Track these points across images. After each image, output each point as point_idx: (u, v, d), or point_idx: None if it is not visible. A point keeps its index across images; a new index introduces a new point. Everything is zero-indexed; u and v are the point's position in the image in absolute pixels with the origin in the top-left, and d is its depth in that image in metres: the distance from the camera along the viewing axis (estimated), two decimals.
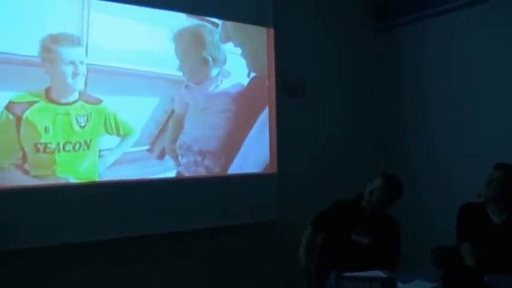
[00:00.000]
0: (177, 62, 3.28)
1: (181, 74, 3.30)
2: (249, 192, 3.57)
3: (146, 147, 3.16)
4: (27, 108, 2.73)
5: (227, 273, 3.52)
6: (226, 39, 3.54)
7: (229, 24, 3.53)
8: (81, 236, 2.89)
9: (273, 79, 3.74)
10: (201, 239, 3.41)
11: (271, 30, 3.74)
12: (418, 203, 3.83)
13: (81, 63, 2.90)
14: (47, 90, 2.80)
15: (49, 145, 2.79)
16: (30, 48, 2.75)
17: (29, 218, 2.72)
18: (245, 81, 3.61)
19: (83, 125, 2.90)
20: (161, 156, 3.23)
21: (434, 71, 3.91)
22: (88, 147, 2.91)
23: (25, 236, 2.70)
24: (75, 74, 2.87)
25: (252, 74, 3.64)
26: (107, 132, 3.00)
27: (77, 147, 2.88)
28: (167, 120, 3.24)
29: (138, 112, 3.15)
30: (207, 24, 3.42)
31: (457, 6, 3.69)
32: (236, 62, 3.56)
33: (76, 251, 2.91)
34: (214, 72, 3.42)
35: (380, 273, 2.27)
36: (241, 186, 3.54)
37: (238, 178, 3.55)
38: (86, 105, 2.93)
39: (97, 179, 2.96)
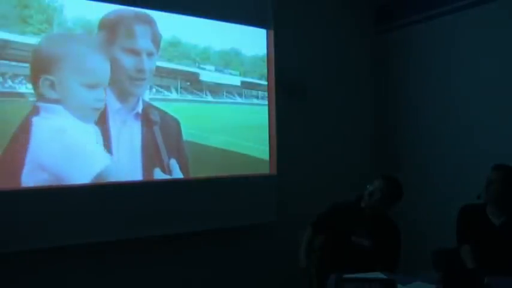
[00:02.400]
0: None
1: None
2: (249, 194, 3.56)
3: None
4: None
5: (227, 274, 3.51)
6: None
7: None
8: (82, 237, 2.88)
9: (273, 80, 3.74)
10: (201, 241, 3.40)
11: (271, 32, 3.75)
12: (418, 204, 3.82)
13: None
14: None
15: None
16: None
17: (29, 220, 2.72)
18: None
19: None
20: None
21: (435, 73, 3.91)
22: None
23: (25, 238, 2.70)
24: None
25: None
26: None
27: None
28: None
29: None
30: None
31: (459, 7, 3.68)
32: None
33: (76, 252, 2.90)
34: None
35: (380, 275, 2.27)
36: (241, 188, 3.54)
37: (238, 179, 3.54)
38: None
39: None
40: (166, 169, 3.25)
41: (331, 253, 2.74)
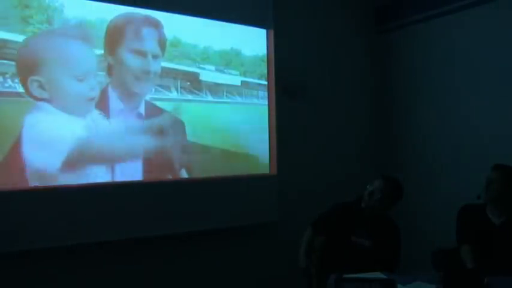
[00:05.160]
0: None
1: None
2: (250, 194, 3.57)
3: None
4: None
5: (228, 274, 3.51)
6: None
7: None
8: (82, 237, 2.88)
9: (273, 80, 3.75)
10: (202, 241, 3.40)
11: (271, 32, 3.75)
12: (418, 204, 3.83)
13: None
14: None
15: None
16: None
17: (28, 220, 2.72)
18: None
19: None
20: None
21: (435, 73, 3.91)
22: None
23: (24, 238, 2.71)
24: None
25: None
26: None
27: None
28: None
29: None
30: None
31: (459, 7, 3.68)
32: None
33: (76, 252, 2.91)
34: None
35: (380, 275, 2.27)
36: (242, 188, 3.55)
37: (238, 179, 3.55)
38: None
39: None
40: (178, 177, 3.31)
41: (331, 253, 2.73)
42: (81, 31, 2.95)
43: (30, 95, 2.76)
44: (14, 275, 2.72)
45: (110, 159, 3.02)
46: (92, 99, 2.96)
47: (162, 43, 3.24)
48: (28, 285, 2.80)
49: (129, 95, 3.11)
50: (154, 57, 3.20)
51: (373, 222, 2.70)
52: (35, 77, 2.77)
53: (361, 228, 2.68)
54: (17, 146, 2.70)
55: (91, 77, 2.97)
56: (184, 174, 3.34)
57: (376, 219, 2.71)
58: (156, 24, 3.22)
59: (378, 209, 2.70)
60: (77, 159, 2.88)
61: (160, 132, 3.23)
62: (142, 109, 3.16)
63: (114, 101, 3.04)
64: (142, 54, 3.14)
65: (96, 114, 2.96)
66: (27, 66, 2.77)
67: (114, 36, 3.05)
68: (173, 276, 3.30)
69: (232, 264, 3.55)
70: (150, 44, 3.18)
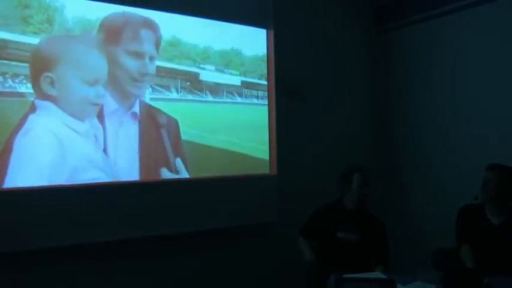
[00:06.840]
0: None
1: None
2: (249, 194, 3.57)
3: None
4: None
5: (227, 274, 3.51)
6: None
7: None
8: (81, 237, 2.88)
9: (273, 80, 3.75)
10: (201, 241, 3.40)
11: (271, 32, 3.75)
12: (419, 204, 3.83)
13: None
14: None
15: None
16: None
17: (27, 220, 2.72)
18: None
19: None
20: None
21: (435, 73, 3.91)
22: None
23: (23, 238, 2.71)
24: None
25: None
26: None
27: None
28: None
29: None
30: None
31: (459, 7, 3.68)
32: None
33: (75, 253, 2.90)
34: None
35: (380, 275, 2.28)
36: (241, 188, 3.55)
37: (238, 179, 3.55)
38: None
39: None
40: (173, 169, 3.27)
41: (323, 254, 2.77)
42: (98, 38, 3.00)
43: (39, 92, 2.78)
44: (14, 275, 2.72)
45: (106, 159, 3.01)
46: (96, 105, 2.98)
47: (157, 44, 3.24)
48: (28, 285, 2.79)
49: (124, 96, 3.10)
50: (151, 58, 3.20)
51: (357, 216, 2.79)
52: (49, 74, 2.80)
53: (346, 223, 2.76)
54: (16, 144, 2.69)
55: (101, 84, 2.99)
56: (183, 169, 3.33)
57: (359, 214, 2.80)
58: (154, 26, 3.21)
59: (364, 202, 2.81)
60: (75, 159, 2.88)
61: (156, 131, 3.22)
62: (137, 109, 3.16)
63: (110, 101, 3.03)
64: (140, 56, 3.14)
65: (95, 119, 2.98)
66: (42, 64, 2.80)
67: (110, 36, 3.04)
68: (173, 276, 3.30)
69: (232, 264, 3.55)
70: (148, 46, 3.18)
